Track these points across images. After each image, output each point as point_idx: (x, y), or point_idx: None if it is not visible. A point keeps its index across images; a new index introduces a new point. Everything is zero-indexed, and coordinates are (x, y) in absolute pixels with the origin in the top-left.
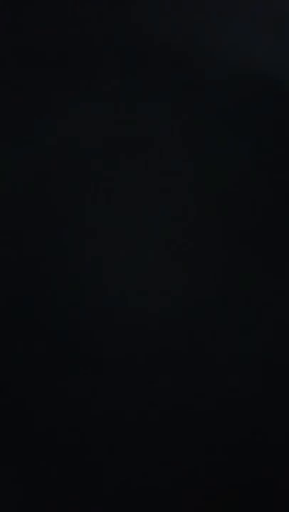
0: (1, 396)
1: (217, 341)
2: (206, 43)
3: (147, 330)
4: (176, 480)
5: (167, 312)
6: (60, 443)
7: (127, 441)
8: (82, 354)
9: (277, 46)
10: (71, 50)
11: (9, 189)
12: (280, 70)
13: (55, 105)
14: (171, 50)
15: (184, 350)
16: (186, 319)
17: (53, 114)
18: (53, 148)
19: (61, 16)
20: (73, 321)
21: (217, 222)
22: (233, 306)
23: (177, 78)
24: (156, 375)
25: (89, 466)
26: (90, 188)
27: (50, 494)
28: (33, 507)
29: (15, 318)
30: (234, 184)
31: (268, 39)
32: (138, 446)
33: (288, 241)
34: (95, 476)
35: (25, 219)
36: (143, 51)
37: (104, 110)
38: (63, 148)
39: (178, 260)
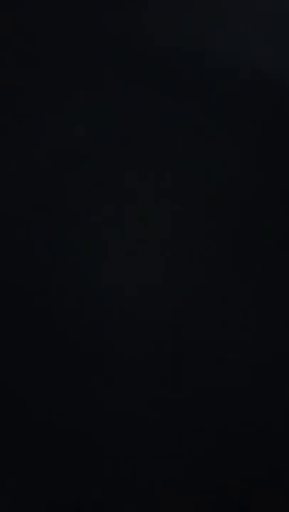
0: (0, 396)
1: (217, 341)
2: (206, 43)
3: (147, 330)
4: (177, 480)
5: (167, 312)
6: (60, 443)
7: (127, 440)
8: (82, 354)
9: (277, 46)
10: (71, 51)
11: (9, 189)
12: (280, 70)
13: (55, 105)
14: (172, 51)
15: (184, 350)
16: (187, 319)
17: (53, 114)
18: (54, 149)
19: (61, 17)
20: (73, 321)
21: (217, 223)
22: (233, 306)
23: (177, 78)
24: (156, 375)
25: (89, 466)
26: (91, 189)
27: (50, 494)
28: (32, 506)
29: (15, 318)
30: (234, 184)
31: (268, 39)
32: (138, 445)
33: (288, 241)
34: (95, 476)
35: (25, 219)
36: (143, 51)
37: (105, 110)
38: (64, 149)
39: (178, 260)
